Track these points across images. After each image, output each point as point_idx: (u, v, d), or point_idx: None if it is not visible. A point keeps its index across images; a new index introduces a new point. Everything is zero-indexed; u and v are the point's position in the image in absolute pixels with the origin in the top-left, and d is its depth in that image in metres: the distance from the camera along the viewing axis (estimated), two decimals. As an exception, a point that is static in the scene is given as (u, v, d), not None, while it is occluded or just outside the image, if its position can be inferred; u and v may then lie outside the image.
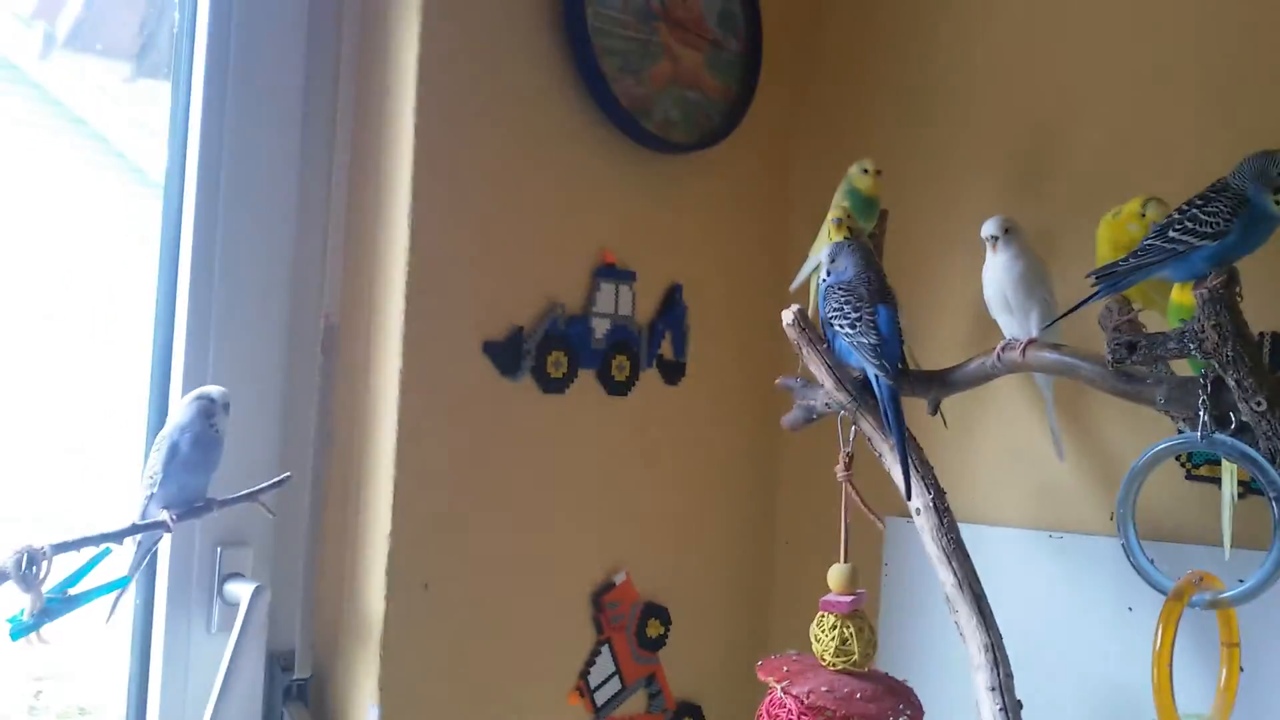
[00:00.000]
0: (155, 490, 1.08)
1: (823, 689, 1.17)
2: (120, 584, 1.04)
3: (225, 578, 1.26)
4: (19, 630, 0.97)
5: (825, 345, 1.23)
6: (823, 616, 1.22)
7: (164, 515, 1.08)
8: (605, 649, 1.50)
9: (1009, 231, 1.26)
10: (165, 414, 1.24)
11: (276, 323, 1.32)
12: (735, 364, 1.66)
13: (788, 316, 1.22)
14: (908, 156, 1.59)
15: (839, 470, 1.25)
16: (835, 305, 1.22)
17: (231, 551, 1.26)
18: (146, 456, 1.14)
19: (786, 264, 1.64)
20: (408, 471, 1.30)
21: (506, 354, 1.39)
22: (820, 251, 1.36)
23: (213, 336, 1.26)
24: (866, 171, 1.41)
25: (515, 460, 1.41)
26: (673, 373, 1.59)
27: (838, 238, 1.35)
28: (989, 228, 1.26)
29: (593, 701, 1.48)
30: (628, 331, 1.52)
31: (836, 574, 1.23)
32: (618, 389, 1.52)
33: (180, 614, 1.23)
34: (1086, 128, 1.45)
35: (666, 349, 1.57)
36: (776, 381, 1.38)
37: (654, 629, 1.55)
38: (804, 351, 1.24)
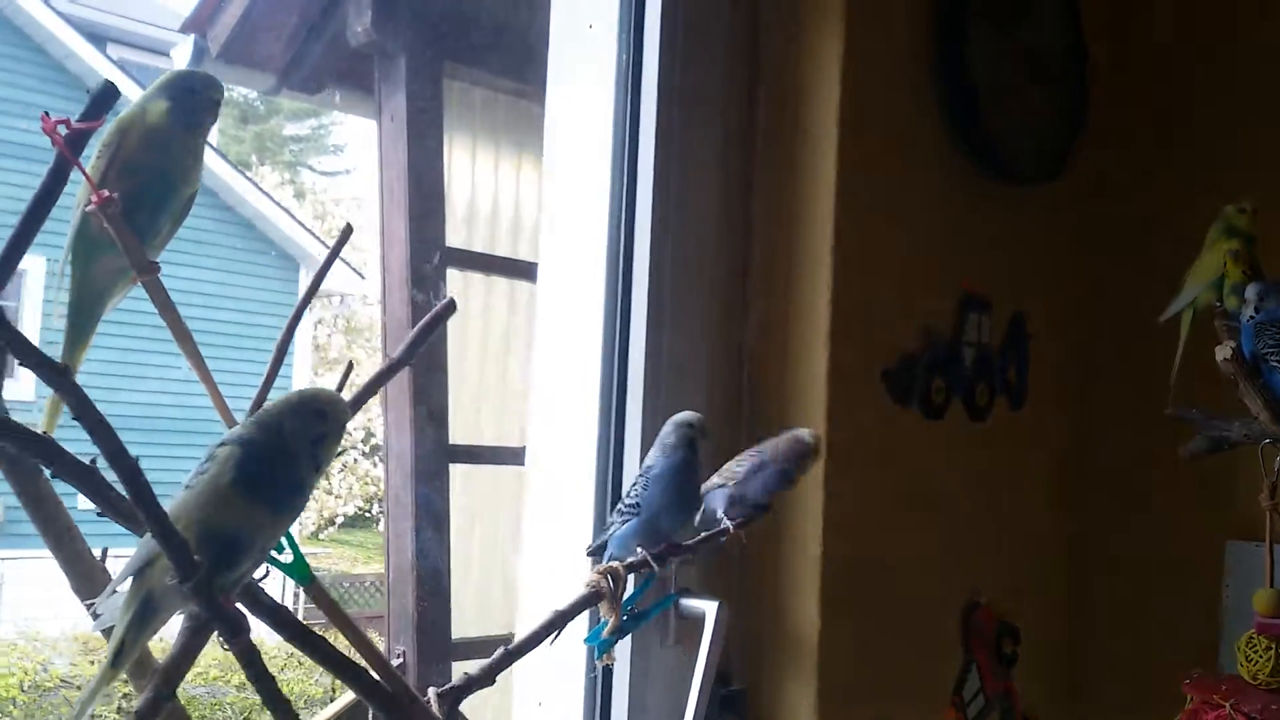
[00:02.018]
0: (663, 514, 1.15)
1: (1273, 706, 1.23)
2: (666, 602, 1.10)
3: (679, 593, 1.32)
4: (603, 645, 1.03)
5: (1261, 380, 1.29)
6: (1255, 637, 1.28)
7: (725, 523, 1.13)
8: (973, 667, 1.56)
9: None
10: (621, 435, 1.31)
11: (704, 355, 1.39)
12: (1075, 390, 1.73)
13: (1225, 351, 1.28)
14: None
15: (1263, 499, 1.31)
16: (1272, 342, 1.28)
17: (682, 568, 1.33)
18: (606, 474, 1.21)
19: (1131, 295, 1.70)
20: (834, 498, 1.36)
21: (900, 382, 1.46)
22: (1199, 285, 1.42)
23: (665, 368, 1.33)
24: (1244, 210, 1.47)
25: (906, 484, 1.47)
26: (1018, 398, 1.65)
27: (1236, 272, 1.41)
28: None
29: (965, 717, 1.55)
30: (988, 359, 1.59)
31: (1265, 597, 1.29)
32: (979, 414, 1.58)
33: (644, 629, 1.30)
34: None
35: (1011, 375, 1.64)
36: (1166, 411, 1.44)
37: (1007, 646, 1.62)
38: (1240, 385, 1.30)
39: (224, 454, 0.65)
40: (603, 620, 1.06)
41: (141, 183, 0.67)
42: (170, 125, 0.68)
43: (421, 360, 3.02)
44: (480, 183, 3.16)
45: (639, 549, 1.10)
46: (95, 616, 0.68)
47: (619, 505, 1.13)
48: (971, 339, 1.57)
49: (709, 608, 1.28)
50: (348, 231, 0.83)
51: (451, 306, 0.87)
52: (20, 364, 0.55)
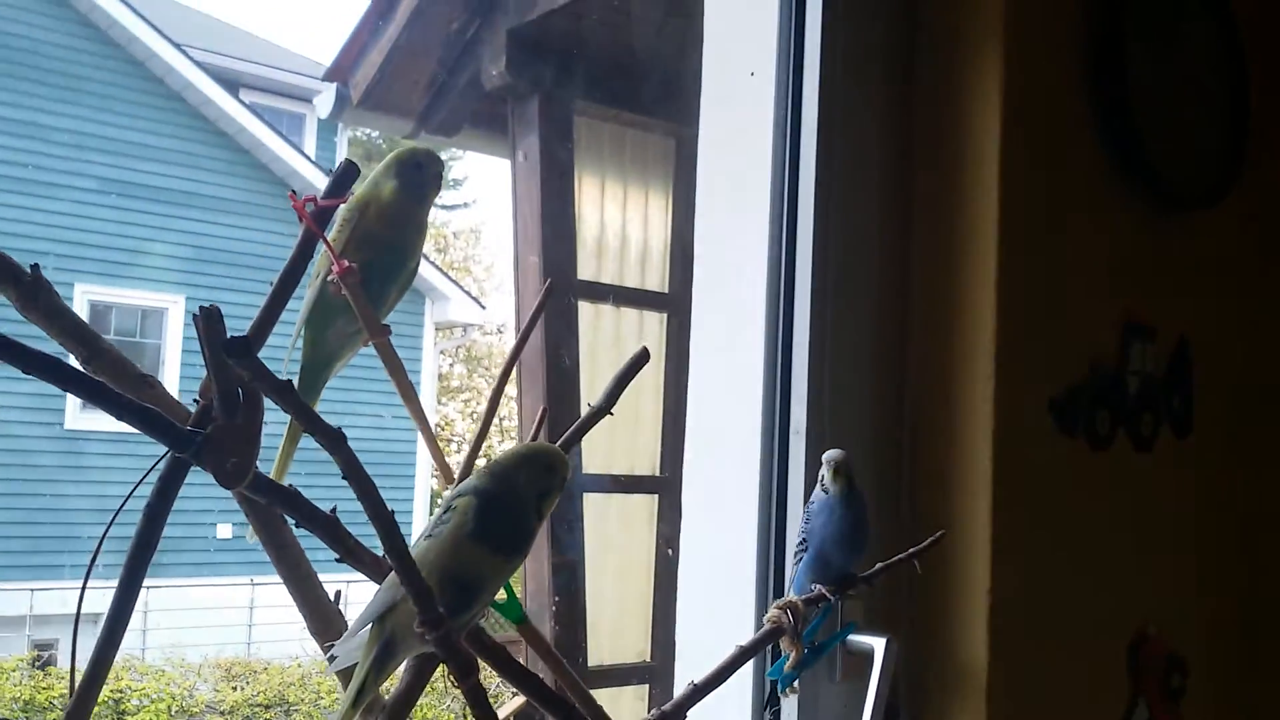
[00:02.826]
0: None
1: None
2: (845, 633, 1.11)
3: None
4: (785, 680, 1.05)
5: None
6: None
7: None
8: (1140, 701, 1.53)
9: None
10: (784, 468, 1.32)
11: (866, 389, 1.39)
12: (1246, 417, 1.69)
13: None
14: None
15: None
16: None
17: (849, 603, 1.33)
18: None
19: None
20: (1002, 529, 1.35)
21: (1065, 412, 1.44)
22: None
23: (826, 403, 1.34)
24: None
25: (1074, 515, 1.45)
26: (1183, 426, 1.61)
27: None
28: None
29: (1136, 752, 1.51)
30: (1152, 387, 1.56)
31: None
32: (1144, 444, 1.55)
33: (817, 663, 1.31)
34: None
35: (1176, 403, 1.60)
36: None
37: (1175, 680, 1.58)
38: None
39: (463, 504, 0.69)
40: (784, 654, 1.07)
41: (376, 255, 0.71)
42: (401, 201, 0.72)
43: (553, 390, 3.08)
44: (609, 216, 3.21)
45: (814, 585, 1.12)
46: (331, 659, 0.72)
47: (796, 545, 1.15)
48: (1136, 368, 1.54)
49: (878, 643, 1.28)
50: (549, 291, 0.86)
51: (645, 354, 0.90)
52: (305, 432, 0.59)
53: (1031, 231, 1.41)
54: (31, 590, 6.61)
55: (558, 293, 3.02)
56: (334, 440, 0.57)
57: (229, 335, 0.54)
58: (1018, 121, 1.38)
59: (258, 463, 0.64)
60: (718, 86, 1.46)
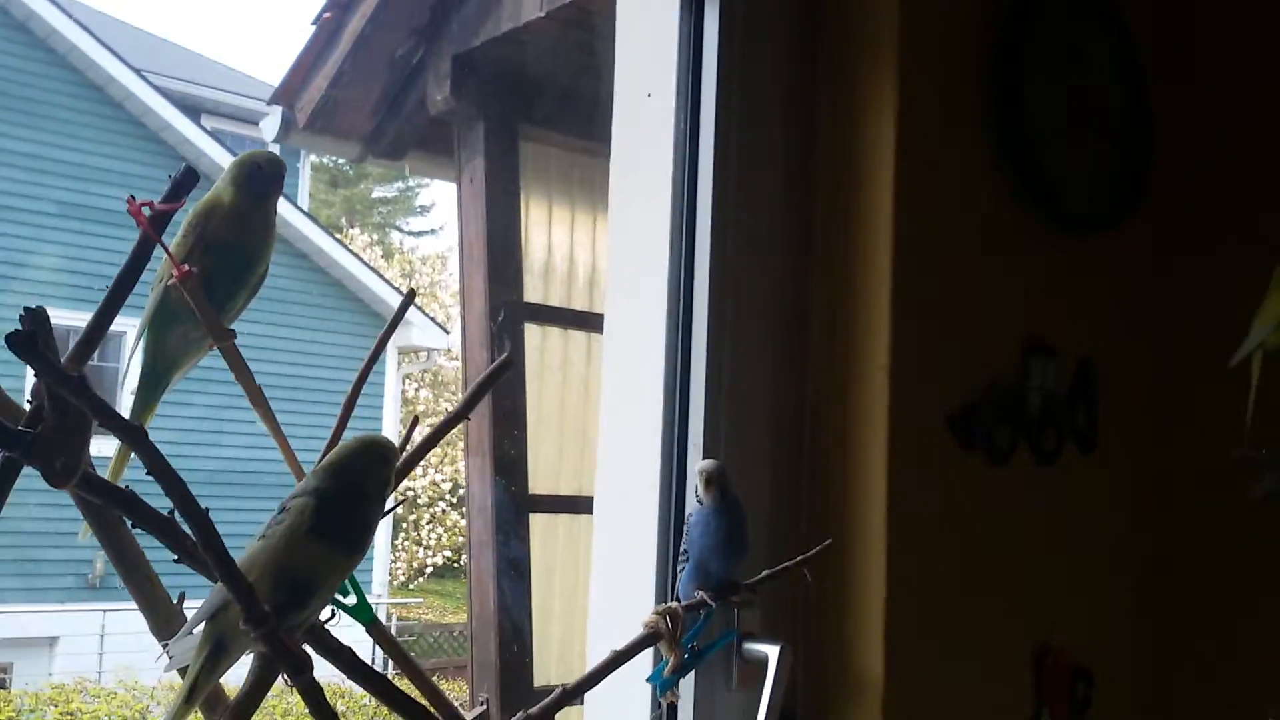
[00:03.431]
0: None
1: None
2: (727, 638, 1.13)
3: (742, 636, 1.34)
4: (665, 684, 1.07)
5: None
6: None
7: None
8: (1044, 711, 1.55)
9: None
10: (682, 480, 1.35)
11: (765, 403, 1.42)
12: (1151, 434, 1.72)
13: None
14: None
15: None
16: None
17: (746, 612, 1.35)
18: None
19: (1204, 337, 1.70)
20: (898, 540, 1.38)
21: (963, 427, 1.47)
22: (1266, 327, 1.42)
23: (724, 419, 1.37)
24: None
25: (973, 527, 1.48)
26: (1088, 443, 1.65)
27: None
28: None
29: (1038, 763, 1.53)
30: (1055, 404, 1.59)
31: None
32: (1046, 458, 1.58)
33: (708, 671, 1.32)
34: None
35: (1080, 420, 1.64)
36: (1234, 453, 1.43)
37: (1080, 690, 1.60)
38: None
39: (298, 505, 0.71)
40: (664, 659, 1.09)
41: (222, 259, 0.73)
42: (242, 205, 0.75)
43: (500, 412, 3.09)
44: (556, 239, 3.24)
45: (697, 591, 1.14)
46: (170, 657, 0.74)
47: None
48: (1037, 384, 1.57)
49: (772, 651, 1.31)
50: (409, 297, 0.89)
51: (509, 361, 0.92)
52: (100, 425, 0.61)
53: (927, 251, 1.44)
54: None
55: (504, 315, 3.04)
56: (134, 436, 0.59)
57: (16, 330, 0.56)
58: (915, 143, 1.42)
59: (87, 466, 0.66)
60: (623, 108, 1.49)
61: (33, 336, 0.56)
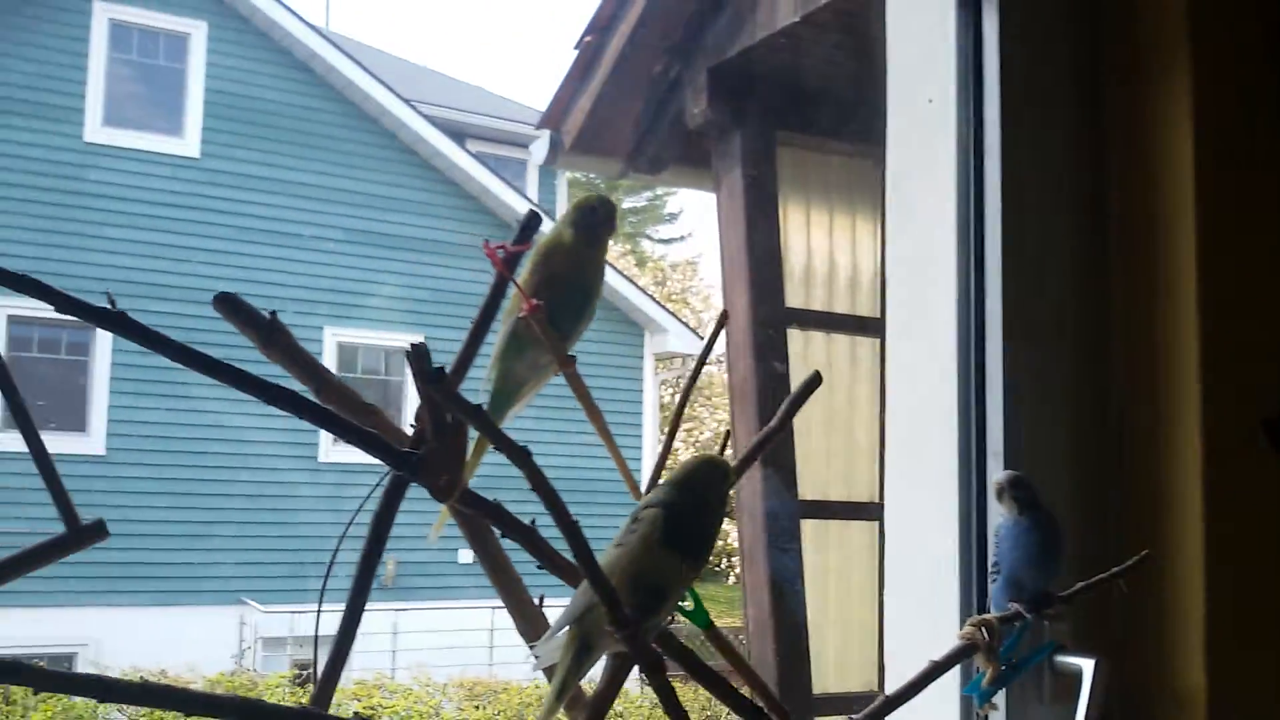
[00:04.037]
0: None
1: None
2: (1044, 652, 1.11)
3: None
4: (983, 695, 1.06)
5: None
6: None
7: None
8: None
9: None
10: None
11: (1067, 410, 1.38)
12: None
13: None
14: None
15: None
16: None
17: (1056, 624, 1.32)
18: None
19: None
20: (1216, 548, 1.31)
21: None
22: None
23: (1023, 426, 1.34)
24: None
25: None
26: None
27: None
28: None
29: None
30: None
31: None
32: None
33: (1020, 685, 1.30)
34: None
35: None
36: None
37: None
38: None
39: (650, 515, 0.76)
40: (980, 671, 1.09)
41: (562, 293, 0.80)
42: (579, 244, 0.81)
43: (765, 418, 3.12)
44: (815, 243, 3.24)
45: (1011, 604, 1.13)
46: (536, 658, 0.80)
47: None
48: (1362, 378, 1.45)
49: (1087, 664, 1.27)
50: (723, 320, 0.92)
51: (817, 378, 0.94)
52: (494, 448, 0.67)
53: (1233, 250, 1.37)
54: (293, 613, 7.18)
55: (766, 322, 3.06)
56: (520, 456, 0.65)
57: (431, 367, 0.63)
58: (1211, 133, 1.34)
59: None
60: (900, 115, 1.49)
61: (442, 371, 0.63)
